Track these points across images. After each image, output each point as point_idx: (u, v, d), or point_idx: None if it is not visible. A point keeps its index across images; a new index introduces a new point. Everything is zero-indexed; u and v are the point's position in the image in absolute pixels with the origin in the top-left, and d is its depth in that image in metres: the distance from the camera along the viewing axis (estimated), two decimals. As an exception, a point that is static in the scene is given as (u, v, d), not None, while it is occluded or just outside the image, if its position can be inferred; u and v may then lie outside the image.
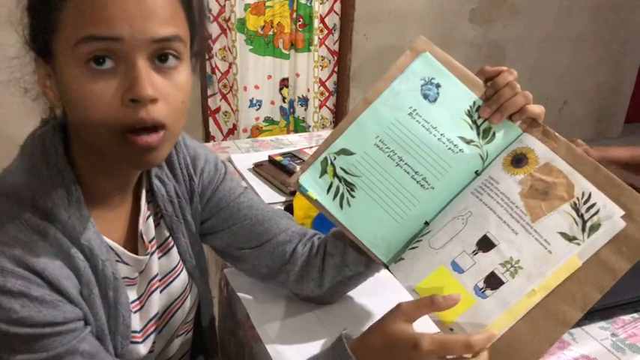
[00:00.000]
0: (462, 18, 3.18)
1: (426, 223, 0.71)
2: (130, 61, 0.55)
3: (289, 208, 1.17)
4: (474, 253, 0.65)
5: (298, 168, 0.76)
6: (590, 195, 0.64)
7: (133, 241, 0.74)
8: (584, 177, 0.65)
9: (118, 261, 0.70)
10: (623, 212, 0.63)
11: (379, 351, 0.61)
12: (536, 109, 0.70)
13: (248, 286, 0.95)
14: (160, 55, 0.57)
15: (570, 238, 0.63)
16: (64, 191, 0.62)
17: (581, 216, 0.64)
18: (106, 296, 0.66)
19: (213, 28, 2.69)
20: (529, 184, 0.67)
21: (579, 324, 0.89)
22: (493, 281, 0.64)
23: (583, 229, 0.63)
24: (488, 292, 0.63)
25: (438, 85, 0.71)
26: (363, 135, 0.71)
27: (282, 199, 1.27)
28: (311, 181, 0.72)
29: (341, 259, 0.83)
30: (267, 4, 2.76)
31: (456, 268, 0.65)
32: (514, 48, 3.37)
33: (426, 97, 0.71)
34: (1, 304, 0.56)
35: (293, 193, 1.22)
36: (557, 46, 3.48)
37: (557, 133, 0.69)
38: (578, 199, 0.65)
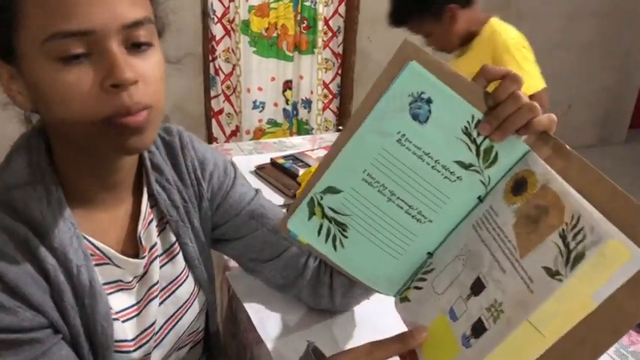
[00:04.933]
0: (467, 22, 3.17)
1: (429, 254, 0.65)
2: (104, 48, 0.53)
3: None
4: (468, 297, 0.57)
5: (285, 211, 0.69)
6: (579, 218, 0.50)
7: (132, 245, 0.71)
8: (592, 200, 0.50)
9: (107, 264, 0.67)
10: (621, 234, 0.47)
11: None
12: (545, 120, 0.56)
13: (250, 289, 0.94)
14: (134, 42, 0.55)
15: (553, 274, 0.50)
16: (43, 191, 0.60)
17: (567, 245, 0.50)
18: (82, 304, 0.62)
19: (217, 30, 2.70)
20: (524, 213, 0.55)
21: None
22: (478, 328, 0.55)
23: (567, 262, 0.50)
24: (472, 340, 0.55)
25: (428, 101, 0.59)
26: (349, 169, 0.62)
27: (284, 201, 1.27)
28: (300, 225, 0.64)
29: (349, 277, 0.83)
30: (272, 5, 2.76)
31: (452, 315, 0.58)
32: (518, 52, 3.36)
33: (415, 117, 0.60)
34: None
35: (295, 197, 1.22)
36: (562, 51, 3.47)
37: (571, 150, 0.55)
38: (567, 224, 0.51)
